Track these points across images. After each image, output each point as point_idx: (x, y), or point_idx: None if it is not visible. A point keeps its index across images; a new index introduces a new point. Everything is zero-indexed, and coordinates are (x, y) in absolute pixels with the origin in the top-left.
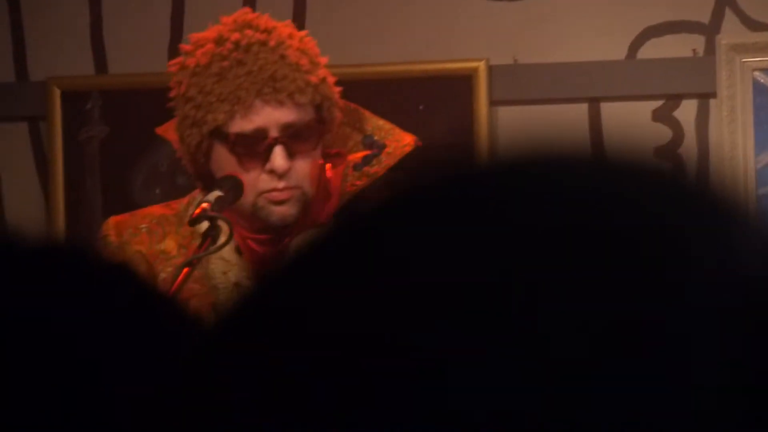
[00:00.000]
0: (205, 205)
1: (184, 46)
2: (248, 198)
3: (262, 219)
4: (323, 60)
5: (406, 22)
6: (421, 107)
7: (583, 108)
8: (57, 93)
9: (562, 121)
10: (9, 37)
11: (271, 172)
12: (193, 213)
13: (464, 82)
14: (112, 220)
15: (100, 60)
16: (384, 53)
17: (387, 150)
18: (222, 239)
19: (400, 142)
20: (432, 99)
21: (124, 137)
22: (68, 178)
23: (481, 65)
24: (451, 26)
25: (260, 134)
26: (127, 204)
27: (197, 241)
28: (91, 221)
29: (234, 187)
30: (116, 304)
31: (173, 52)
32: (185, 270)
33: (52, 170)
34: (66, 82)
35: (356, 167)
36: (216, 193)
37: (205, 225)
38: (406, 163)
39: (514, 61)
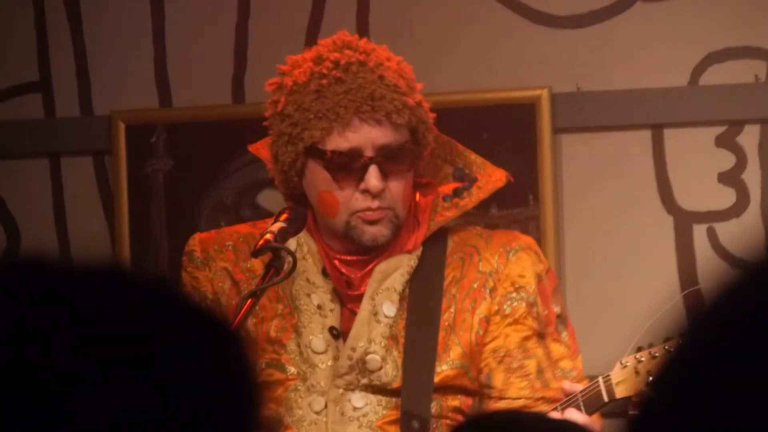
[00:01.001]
0: (268, 236)
1: (282, 67)
2: (342, 217)
3: (354, 238)
4: (419, 86)
5: (468, 51)
6: (485, 135)
7: (646, 135)
8: (121, 127)
9: (627, 147)
10: (74, 71)
11: (365, 191)
12: (257, 245)
13: (527, 110)
14: (198, 235)
15: (164, 93)
16: (447, 82)
17: (478, 183)
18: (286, 269)
19: (492, 176)
20: (495, 127)
21: (189, 170)
22: (133, 211)
23: (544, 93)
24: (514, 54)
25: (356, 153)
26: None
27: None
28: (157, 254)
29: (298, 218)
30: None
31: (237, 84)
32: (249, 301)
33: (117, 204)
34: (130, 115)
35: (446, 198)
36: (279, 224)
37: (268, 256)
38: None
39: (577, 89)
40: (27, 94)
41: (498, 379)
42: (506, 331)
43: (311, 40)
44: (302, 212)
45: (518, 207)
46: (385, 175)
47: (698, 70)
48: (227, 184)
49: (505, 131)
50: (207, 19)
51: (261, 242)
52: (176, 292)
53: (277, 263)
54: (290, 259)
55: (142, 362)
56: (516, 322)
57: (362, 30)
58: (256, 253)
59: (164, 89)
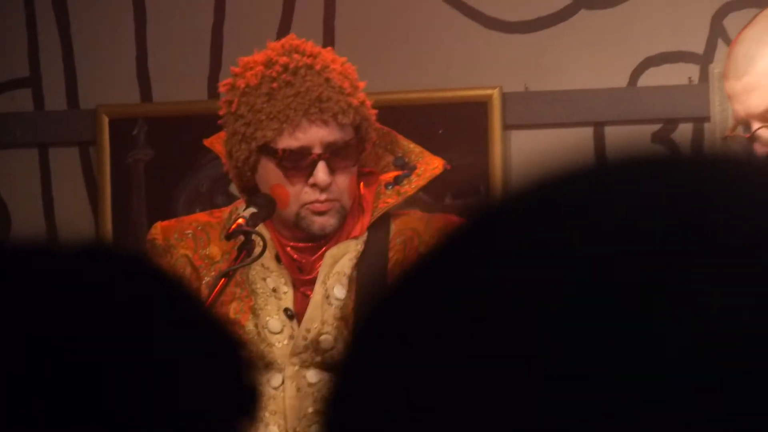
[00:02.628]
0: (240, 220)
1: (234, 69)
2: (292, 208)
3: (304, 228)
4: (362, 84)
5: (427, 53)
6: (440, 131)
7: (588, 131)
8: (105, 120)
9: (571, 143)
10: (61, 68)
11: (314, 185)
12: (230, 228)
13: (480, 108)
14: (159, 224)
15: (145, 89)
16: (407, 81)
17: (417, 171)
18: (257, 251)
19: (430, 164)
20: (451, 123)
21: (168, 160)
22: (116, 198)
23: (495, 93)
24: (468, 57)
25: (305, 151)
26: None
27: (235, 253)
28: (137, 238)
29: (267, 204)
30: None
31: (212, 81)
32: (222, 280)
33: (100, 191)
34: (113, 109)
35: (388, 186)
36: (251, 210)
37: (240, 239)
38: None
39: (526, 89)
40: (18, 89)
41: None
42: None
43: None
44: (271, 199)
45: (469, 196)
46: (332, 170)
47: (636, 73)
48: (202, 173)
49: (459, 127)
50: (185, 20)
51: (234, 226)
52: (156, 263)
53: (248, 246)
54: (261, 241)
55: (132, 323)
56: None
57: (328, 32)
58: (229, 236)
59: (145, 85)
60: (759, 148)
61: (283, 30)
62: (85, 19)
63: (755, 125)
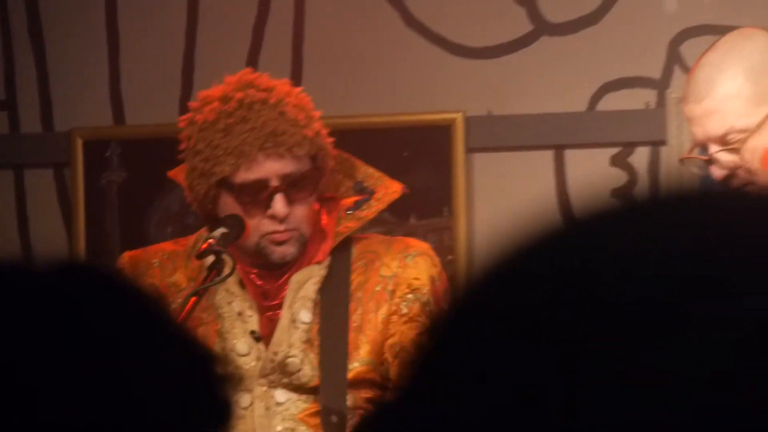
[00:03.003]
0: (211, 240)
1: (193, 104)
2: (252, 239)
3: (264, 257)
4: (317, 114)
5: (392, 78)
6: (405, 154)
7: (549, 154)
8: (79, 142)
9: (532, 166)
10: (36, 91)
11: (273, 216)
12: (201, 248)
13: (444, 131)
14: (127, 254)
15: (118, 112)
16: (373, 106)
17: (376, 196)
18: (226, 271)
19: (389, 188)
20: (416, 146)
21: (140, 182)
22: (89, 218)
23: (459, 117)
24: (433, 82)
25: (262, 183)
26: (143, 242)
27: (204, 274)
28: (111, 258)
29: (237, 225)
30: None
31: (183, 104)
32: (193, 299)
33: (74, 212)
34: (87, 132)
35: (348, 211)
36: (221, 230)
37: (211, 259)
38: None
39: (488, 113)
40: None
41: (393, 373)
42: (402, 329)
43: (251, 65)
44: (241, 220)
45: (435, 217)
46: (289, 200)
47: (595, 98)
48: (174, 195)
49: (424, 150)
50: (157, 45)
51: (205, 245)
52: (129, 280)
53: (218, 265)
54: (231, 261)
55: (102, 343)
56: (411, 320)
57: (297, 58)
58: (200, 255)
59: (118, 109)
60: (716, 171)
61: (253, 56)
62: (60, 44)
63: (713, 148)
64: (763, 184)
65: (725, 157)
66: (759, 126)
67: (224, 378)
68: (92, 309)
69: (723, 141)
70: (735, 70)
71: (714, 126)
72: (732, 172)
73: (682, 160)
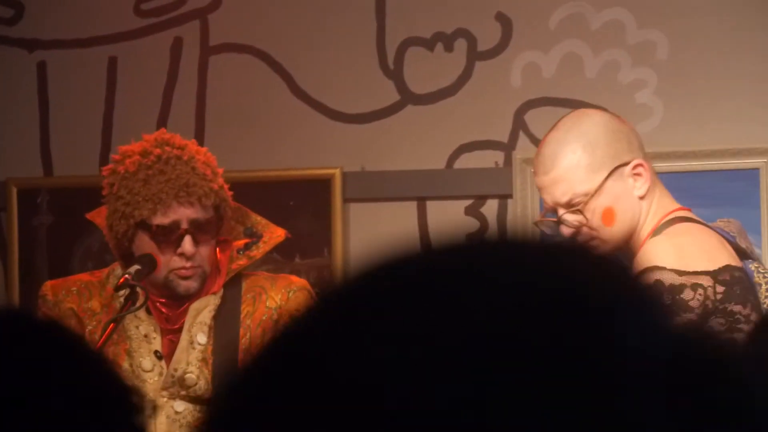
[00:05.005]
0: (127, 276)
1: (115, 156)
2: (162, 273)
3: (171, 289)
4: (221, 171)
5: (280, 138)
6: (292, 203)
7: (413, 205)
8: (14, 190)
9: (399, 214)
10: None
11: (181, 254)
12: (118, 282)
13: (324, 184)
14: (49, 283)
15: (48, 165)
16: (264, 161)
17: (264, 239)
18: (140, 302)
19: (274, 233)
20: (300, 196)
21: (65, 224)
22: (22, 255)
23: (337, 172)
24: (315, 142)
25: (174, 226)
26: (67, 274)
27: (116, 302)
28: (40, 287)
29: (149, 263)
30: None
31: (103, 158)
32: (111, 325)
33: (9, 249)
34: (21, 181)
35: (239, 251)
36: (136, 267)
37: (126, 291)
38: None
39: (362, 169)
40: None
41: None
42: None
43: (161, 125)
44: (153, 259)
45: (316, 257)
46: (196, 242)
47: (453, 157)
48: (94, 236)
49: (307, 199)
50: (81, 109)
51: (122, 280)
52: (59, 325)
53: (133, 297)
54: (143, 293)
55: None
56: None
57: (199, 121)
58: (117, 289)
59: (47, 162)
60: (565, 230)
61: (163, 117)
62: None
63: (561, 211)
64: (605, 239)
65: (571, 218)
66: (596, 190)
67: (140, 408)
68: (11, 343)
69: (568, 205)
70: (575, 144)
71: (560, 193)
72: (578, 231)
73: (535, 223)
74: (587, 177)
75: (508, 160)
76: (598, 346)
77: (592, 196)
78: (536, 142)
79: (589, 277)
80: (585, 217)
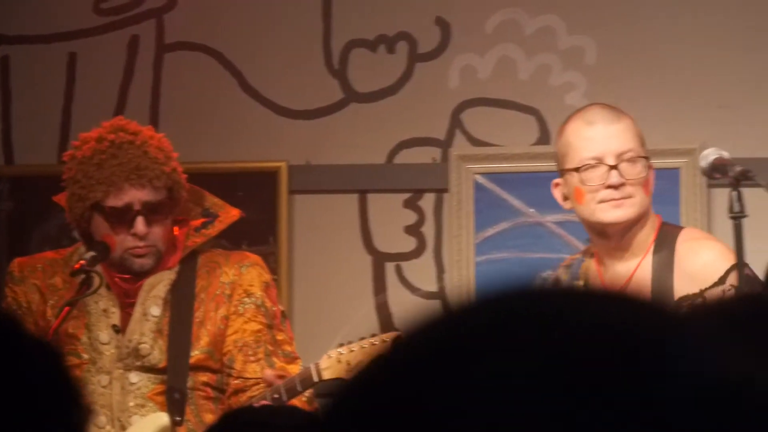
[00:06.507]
0: (82, 261)
1: (74, 142)
2: (118, 252)
3: (127, 267)
4: (175, 155)
5: (231, 133)
6: (240, 194)
7: (355, 197)
8: None
9: (341, 206)
10: None
11: (135, 235)
12: (74, 267)
13: (271, 176)
14: (17, 260)
15: (9, 155)
16: (215, 154)
17: (219, 219)
18: (95, 286)
19: (229, 213)
20: (248, 188)
21: (26, 211)
22: None
23: (283, 165)
24: (263, 136)
25: (127, 208)
26: None
27: (77, 279)
28: (2, 271)
29: (104, 249)
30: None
31: (62, 148)
32: (66, 309)
33: None
34: None
35: (197, 229)
36: (91, 254)
37: (82, 276)
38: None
39: (307, 163)
40: None
41: (238, 362)
42: (242, 327)
43: (120, 112)
44: (107, 245)
45: (263, 245)
46: (149, 222)
47: (393, 153)
48: (52, 222)
49: (255, 191)
50: (41, 100)
51: (77, 266)
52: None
53: (88, 281)
54: (98, 278)
55: None
56: (249, 320)
57: (154, 115)
58: (73, 273)
59: (8, 151)
60: (614, 179)
61: (119, 112)
62: None
63: (613, 160)
64: (638, 202)
65: (628, 169)
66: (647, 157)
67: (87, 410)
68: None
69: (625, 155)
70: (627, 116)
71: (625, 139)
72: (621, 186)
73: (562, 266)
74: (639, 143)
75: (445, 157)
76: (659, 381)
77: (645, 157)
78: (472, 139)
79: (638, 318)
80: (638, 170)
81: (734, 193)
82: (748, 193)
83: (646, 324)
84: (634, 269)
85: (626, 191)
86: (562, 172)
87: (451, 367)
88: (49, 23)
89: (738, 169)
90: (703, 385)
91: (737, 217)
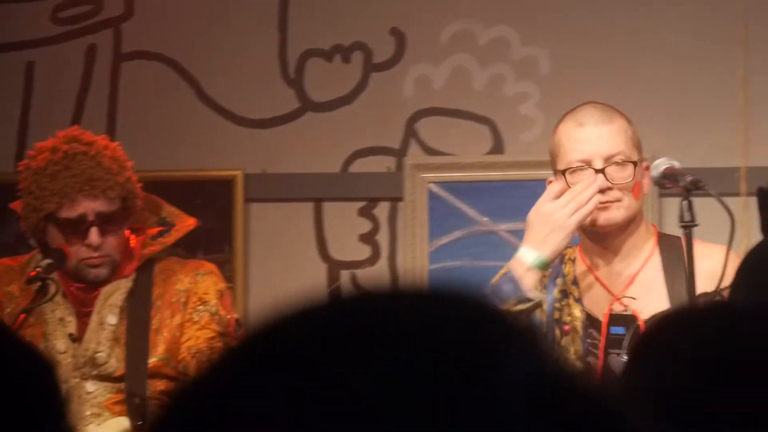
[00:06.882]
0: (39, 269)
1: (30, 152)
2: (72, 262)
3: (82, 276)
4: (129, 164)
5: (188, 141)
6: (197, 201)
7: (310, 206)
8: None
9: (297, 214)
10: None
11: (89, 245)
12: (30, 274)
13: (227, 185)
14: None
15: None
16: (173, 162)
17: (176, 227)
18: (51, 293)
19: (185, 222)
20: (205, 196)
21: None
22: None
23: (239, 173)
24: (219, 145)
25: (81, 219)
26: None
27: (34, 287)
28: None
29: (59, 257)
30: None
31: (18, 158)
32: (22, 315)
33: None
34: None
35: (153, 238)
36: (47, 262)
37: (38, 283)
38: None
39: (263, 171)
40: None
41: (191, 369)
42: (196, 334)
43: (76, 121)
44: (63, 252)
45: (219, 253)
46: (103, 232)
47: (348, 162)
48: (9, 229)
49: (212, 199)
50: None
51: (33, 274)
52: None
53: (44, 289)
54: (54, 286)
55: None
56: (203, 327)
57: (111, 124)
58: (29, 281)
59: None
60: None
61: (76, 120)
62: None
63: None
64: (627, 206)
65: (616, 173)
66: (637, 160)
67: (66, 398)
68: None
69: (614, 157)
70: (622, 117)
71: (616, 142)
72: (607, 191)
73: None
74: (632, 145)
75: (400, 166)
76: (482, 391)
77: (634, 162)
78: (426, 149)
79: (470, 326)
80: (626, 174)
81: (685, 203)
82: (698, 202)
83: (478, 325)
84: (637, 270)
85: (613, 195)
86: (555, 172)
87: (258, 373)
88: (6, 32)
89: (689, 178)
90: (531, 386)
91: (688, 226)
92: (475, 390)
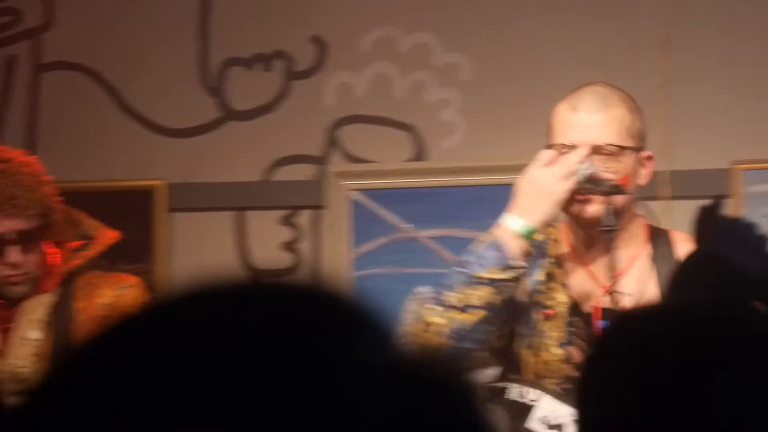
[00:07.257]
0: None
1: None
2: None
3: (3, 294)
4: (48, 179)
5: (110, 151)
6: (118, 212)
7: (232, 214)
8: None
9: (219, 223)
10: None
11: (9, 264)
12: None
13: (149, 194)
14: None
15: None
16: (94, 172)
17: (97, 240)
18: None
19: (106, 235)
20: (129, 206)
21: None
22: None
23: (162, 183)
24: (141, 155)
25: (0, 238)
26: None
27: None
28: None
29: None
30: None
31: None
32: None
33: None
34: None
35: (74, 251)
36: None
37: None
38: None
39: (185, 180)
40: None
41: None
42: None
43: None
44: None
45: (141, 263)
46: (24, 250)
47: (270, 170)
48: None
49: (135, 208)
50: None
51: None
52: None
53: None
54: None
55: None
56: None
57: (32, 135)
58: None
59: None
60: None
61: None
62: None
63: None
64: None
65: (604, 165)
66: (630, 149)
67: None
68: None
69: (606, 148)
70: (622, 105)
71: (607, 132)
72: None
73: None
74: (627, 135)
75: (322, 173)
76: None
77: (625, 152)
78: (348, 156)
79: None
80: (613, 166)
81: (609, 207)
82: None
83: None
84: (627, 263)
85: None
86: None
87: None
88: None
89: (610, 183)
90: (373, 371)
91: (609, 230)
92: (309, 377)
